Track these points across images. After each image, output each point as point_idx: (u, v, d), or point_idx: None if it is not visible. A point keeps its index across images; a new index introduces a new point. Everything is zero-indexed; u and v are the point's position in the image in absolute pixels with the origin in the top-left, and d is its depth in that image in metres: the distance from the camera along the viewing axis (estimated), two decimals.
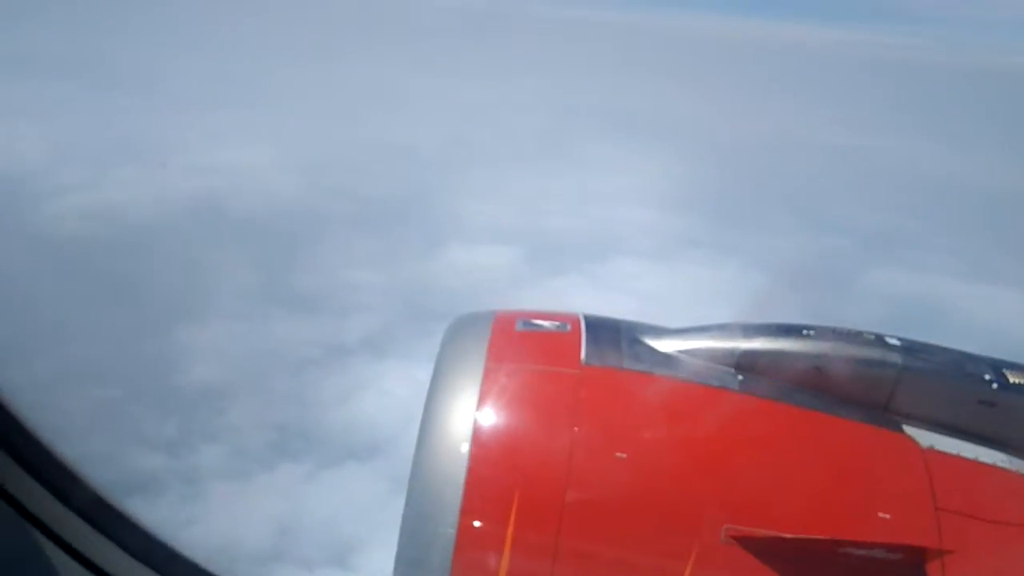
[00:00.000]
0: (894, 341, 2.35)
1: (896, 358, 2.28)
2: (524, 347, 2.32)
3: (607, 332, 2.38)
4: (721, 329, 2.36)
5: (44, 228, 34.82)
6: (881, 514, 2.11)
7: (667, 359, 2.29)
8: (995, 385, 2.30)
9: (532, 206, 44.56)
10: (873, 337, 2.34)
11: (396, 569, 2.12)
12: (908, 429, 2.27)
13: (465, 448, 2.06)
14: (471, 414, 2.11)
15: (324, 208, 41.89)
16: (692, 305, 28.59)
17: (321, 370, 25.99)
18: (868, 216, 49.44)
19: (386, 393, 23.75)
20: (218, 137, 52.54)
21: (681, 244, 40.20)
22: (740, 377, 2.27)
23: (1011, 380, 2.32)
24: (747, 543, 2.04)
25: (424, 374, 2.30)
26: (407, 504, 2.10)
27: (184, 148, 49.44)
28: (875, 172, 66.02)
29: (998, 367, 2.36)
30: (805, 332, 2.31)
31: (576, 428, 2.10)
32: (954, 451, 2.25)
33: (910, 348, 2.34)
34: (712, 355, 2.30)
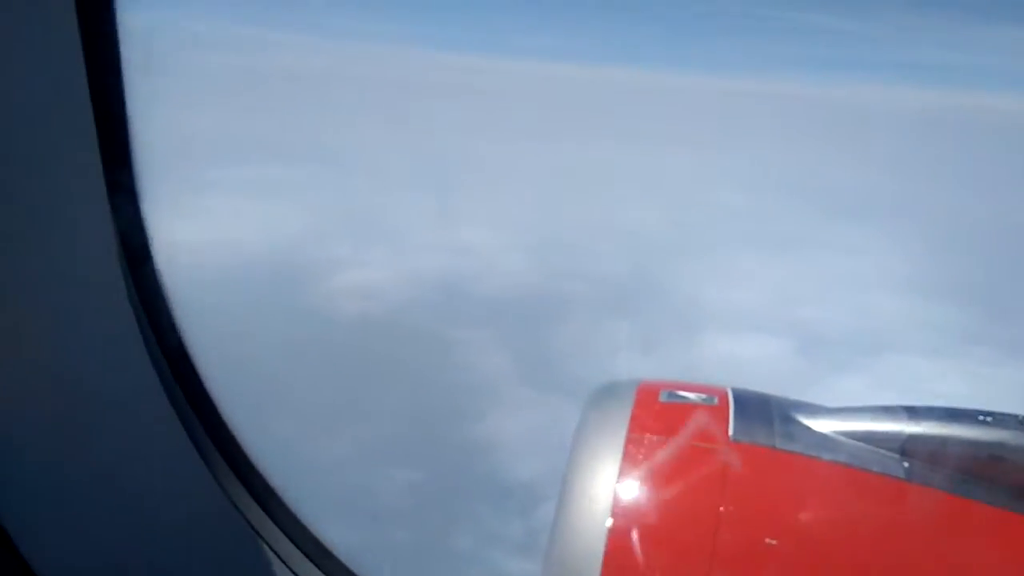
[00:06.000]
0: None
1: None
2: (668, 419, 2.17)
3: (758, 407, 2.20)
4: (885, 411, 2.13)
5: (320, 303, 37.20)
6: None
7: (823, 440, 2.09)
8: None
9: (783, 294, 43.00)
10: None
11: None
12: None
13: (607, 523, 1.95)
14: (611, 487, 1.99)
15: (570, 292, 42.42)
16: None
17: None
18: None
19: None
20: (454, 218, 55.12)
21: (959, 340, 37.19)
22: (906, 464, 2.04)
23: None
24: None
25: None
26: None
27: (424, 228, 52.10)
28: None
29: None
30: (981, 418, 2.05)
31: (722, 508, 1.94)
32: None
33: None
34: (874, 438, 2.07)
